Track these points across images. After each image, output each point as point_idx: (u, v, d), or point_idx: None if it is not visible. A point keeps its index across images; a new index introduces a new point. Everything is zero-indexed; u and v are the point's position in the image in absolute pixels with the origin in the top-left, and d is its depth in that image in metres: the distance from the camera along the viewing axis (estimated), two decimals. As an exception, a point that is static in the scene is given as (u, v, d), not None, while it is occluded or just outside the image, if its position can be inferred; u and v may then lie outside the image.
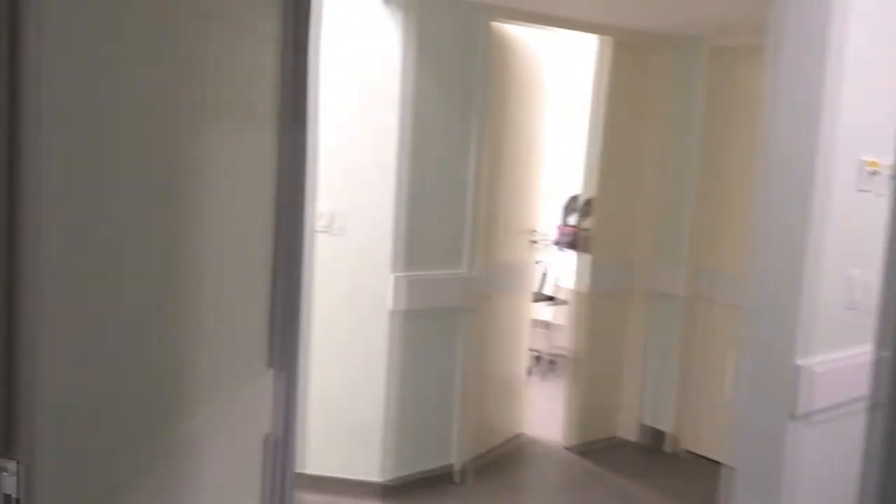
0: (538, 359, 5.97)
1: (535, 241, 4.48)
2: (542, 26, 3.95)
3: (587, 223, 4.42)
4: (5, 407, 1.02)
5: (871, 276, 2.34)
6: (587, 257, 4.38)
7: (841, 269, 2.36)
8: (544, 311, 6.03)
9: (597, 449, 4.46)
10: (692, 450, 4.40)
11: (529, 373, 5.14)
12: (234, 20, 1.69)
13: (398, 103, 3.39)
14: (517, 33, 4.01)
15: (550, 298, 5.98)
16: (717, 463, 3.51)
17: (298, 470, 3.13)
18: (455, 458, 3.86)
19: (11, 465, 1.03)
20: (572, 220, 6.07)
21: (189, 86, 1.49)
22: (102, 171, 1.20)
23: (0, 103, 0.98)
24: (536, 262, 4.93)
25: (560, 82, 5.46)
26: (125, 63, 1.24)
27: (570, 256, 5.36)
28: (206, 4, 1.53)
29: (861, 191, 2.33)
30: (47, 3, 1.02)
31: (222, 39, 1.63)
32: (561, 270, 5.85)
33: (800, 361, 2.31)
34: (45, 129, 1.04)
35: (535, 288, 5.08)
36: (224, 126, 1.67)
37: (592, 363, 4.43)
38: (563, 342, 5.52)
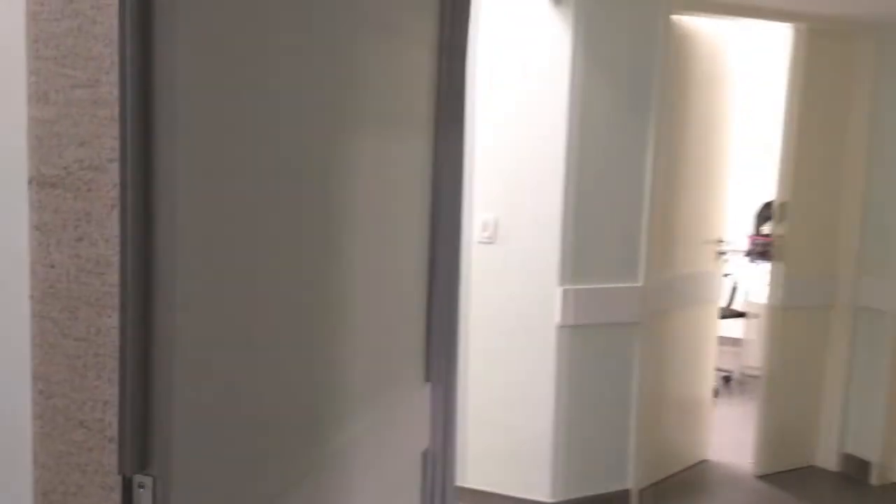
0: (727, 379, 5.56)
1: (722, 252, 4.17)
2: (726, 16, 3.67)
3: (781, 231, 4.05)
4: (141, 420, 1.01)
5: None
6: (781, 268, 4.01)
7: None
8: (734, 328, 5.62)
9: (791, 479, 4.07)
10: (907, 486, 3.90)
11: (716, 394, 4.79)
12: (389, 24, 1.65)
13: (566, 105, 3.26)
14: (699, 26, 3.76)
15: (741, 314, 5.55)
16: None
17: (459, 484, 3.07)
18: (631, 482, 3.65)
19: (147, 481, 1.02)
20: (766, 228, 5.62)
21: (342, 92, 1.46)
22: (251, 176, 1.18)
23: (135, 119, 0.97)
24: (725, 275, 4.59)
25: (749, 77, 5.07)
26: (272, 67, 1.22)
27: (763, 268, 4.95)
28: (360, 9, 1.49)
29: None
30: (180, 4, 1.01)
31: (377, 44, 1.59)
32: (752, 283, 5.42)
33: None
34: (185, 135, 1.03)
35: (722, 303, 4.73)
36: (379, 132, 1.63)
37: (787, 384, 4.06)
38: (754, 361, 5.11)
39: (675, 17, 3.49)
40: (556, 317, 3.35)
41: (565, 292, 3.33)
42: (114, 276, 0.98)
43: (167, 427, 1.01)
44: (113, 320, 0.99)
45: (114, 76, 0.97)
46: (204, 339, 1.09)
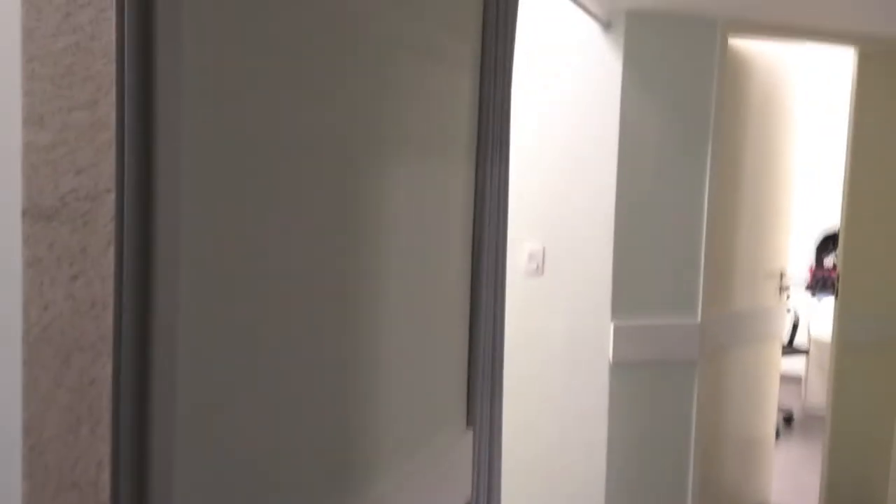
0: (788, 419, 5.28)
1: (783, 286, 3.96)
2: (784, 39, 3.50)
3: (844, 263, 3.82)
4: (137, 482, 0.90)
5: None
6: (845, 302, 3.78)
7: None
8: (796, 365, 5.35)
9: (864, 530, 3.79)
10: None
11: (778, 435, 4.53)
12: (427, 45, 1.54)
13: (616, 132, 3.11)
14: (756, 49, 3.59)
15: (803, 351, 5.28)
16: None
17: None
18: (689, 529, 3.43)
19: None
20: (828, 260, 5.36)
21: (375, 115, 1.35)
22: (267, 209, 1.07)
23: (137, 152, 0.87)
24: (786, 310, 4.36)
25: (811, 103, 4.86)
26: (292, 86, 1.12)
27: (826, 302, 4.70)
28: (395, 28, 1.39)
29: None
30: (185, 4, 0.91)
31: (413, 66, 1.48)
32: (815, 318, 5.15)
33: None
34: (189, 163, 0.92)
35: (784, 339, 4.49)
36: (415, 159, 1.52)
37: (855, 426, 3.81)
38: (818, 400, 4.83)
39: (730, 41, 3.34)
40: (608, 354, 3.18)
41: (617, 328, 3.16)
42: (109, 320, 0.88)
43: (166, 491, 0.90)
44: (108, 370, 0.88)
45: (113, 97, 0.87)
46: (208, 391, 0.98)
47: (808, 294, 5.35)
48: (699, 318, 3.30)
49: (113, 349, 0.87)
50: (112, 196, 0.88)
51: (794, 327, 5.34)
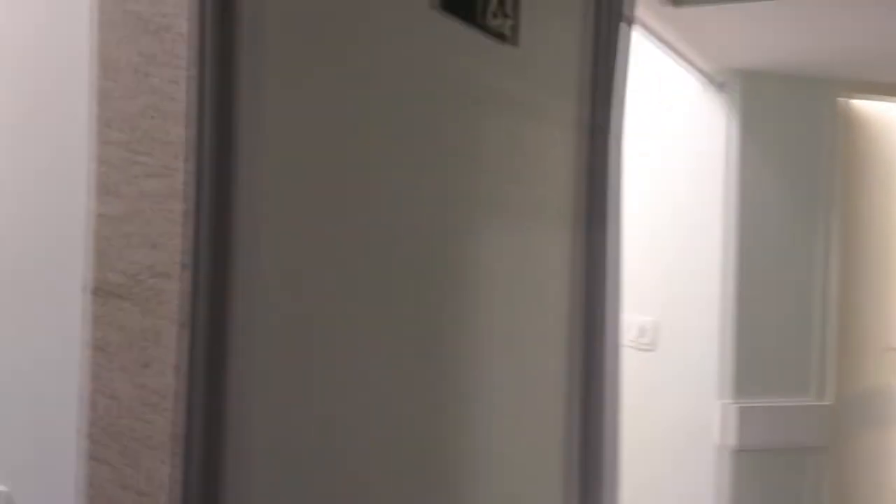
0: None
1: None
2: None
3: None
4: None
5: None
6: None
7: None
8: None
9: None
10: None
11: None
12: (520, 102, 1.43)
13: (734, 198, 2.91)
14: (875, 110, 3.35)
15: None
16: None
17: None
18: None
19: None
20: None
21: (461, 176, 1.23)
22: (353, 287, 0.96)
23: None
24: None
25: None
26: (378, 149, 1.01)
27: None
28: (484, 84, 1.28)
29: None
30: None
31: (505, 124, 1.37)
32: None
33: None
34: (270, 239, 0.82)
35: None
36: (505, 224, 1.39)
37: None
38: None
39: (844, 101, 3.12)
40: (716, 436, 2.91)
41: (725, 407, 2.89)
42: (179, 416, 0.77)
43: None
44: (176, 472, 0.77)
45: (192, 164, 0.78)
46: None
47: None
48: (816, 397, 3.00)
49: (184, 450, 0.76)
50: (187, 273, 0.78)
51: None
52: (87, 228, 0.83)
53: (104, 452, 0.82)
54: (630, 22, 1.75)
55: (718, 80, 2.90)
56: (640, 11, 1.95)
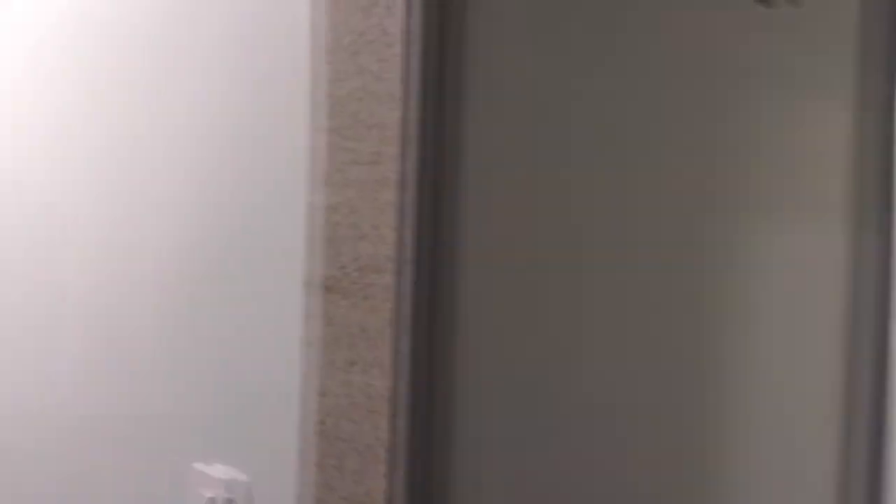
0: None
1: None
2: None
3: None
4: None
5: None
6: None
7: None
8: None
9: None
10: None
11: None
12: (788, 75, 1.23)
13: None
14: None
15: None
16: None
17: None
18: None
19: None
20: None
21: (718, 165, 1.07)
22: (584, 289, 0.85)
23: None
24: None
25: None
26: (614, 129, 0.89)
27: None
28: (744, 54, 1.11)
29: None
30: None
31: (769, 103, 1.18)
32: None
33: None
34: (488, 230, 0.74)
35: None
36: (769, 221, 1.20)
37: None
38: None
39: None
40: None
41: None
42: (385, 421, 0.72)
43: None
44: (381, 483, 0.72)
45: (398, 149, 0.72)
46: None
47: None
48: None
49: (387, 459, 0.71)
50: (394, 267, 0.72)
51: None
52: (308, 221, 0.80)
53: (316, 453, 0.79)
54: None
55: None
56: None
